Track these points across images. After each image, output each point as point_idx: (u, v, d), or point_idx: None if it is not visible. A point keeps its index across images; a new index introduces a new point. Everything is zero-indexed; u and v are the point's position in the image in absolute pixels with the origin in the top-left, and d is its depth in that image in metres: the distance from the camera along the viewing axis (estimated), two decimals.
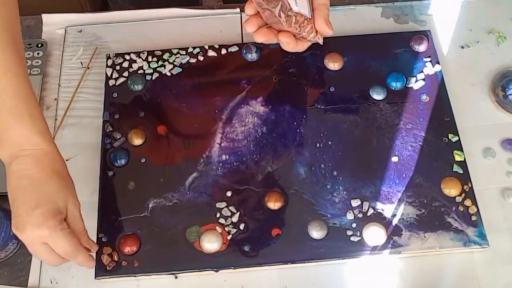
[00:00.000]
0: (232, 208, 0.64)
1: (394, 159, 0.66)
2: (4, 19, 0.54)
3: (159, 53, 0.74)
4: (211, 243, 0.61)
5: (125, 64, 0.73)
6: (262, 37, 0.54)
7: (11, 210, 0.54)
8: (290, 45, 0.54)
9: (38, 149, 0.54)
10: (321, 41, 0.55)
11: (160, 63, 0.73)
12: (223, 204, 0.64)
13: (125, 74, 0.73)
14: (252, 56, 0.73)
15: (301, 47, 0.55)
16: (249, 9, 0.54)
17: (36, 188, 0.53)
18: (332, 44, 0.74)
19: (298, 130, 0.68)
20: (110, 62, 0.74)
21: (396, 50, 0.74)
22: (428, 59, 0.73)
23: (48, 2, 0.92)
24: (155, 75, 0.73)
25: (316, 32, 0.54)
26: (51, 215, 0.53)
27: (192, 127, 0.69)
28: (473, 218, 0.63)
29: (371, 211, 0.63)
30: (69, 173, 0.57)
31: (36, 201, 0.53)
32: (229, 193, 0.65)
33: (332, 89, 0.71)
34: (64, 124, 0.71)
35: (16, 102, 0.54)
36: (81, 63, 0.76)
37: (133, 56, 0.74)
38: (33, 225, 0.52)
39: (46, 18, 0.79)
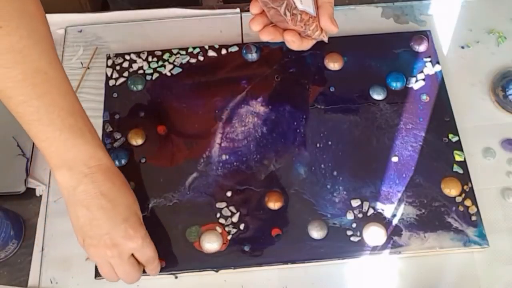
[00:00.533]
0: (232, 208, 0.64)
1: (394, 159, 0.66)
2: (47, 38, 0.53)
3: (159, 53, 0.74)
4: (211, 243, 0.61)
5: (125, 64, 0.73)
6: (268, 36, 0.54)
7: (80, 231, 0.55)
8: (295, 43, 0.54)
9: (103, 164, 0.55)
10: (326, 39, 0.55)
11: (160, 63, 0.73)
12: (223, 204, 0.64)
13: (125, 74, 0.73)
14: (252, 56, 0.73)
15: (306, 45, 0.55)
16: (254, 8, 0.54)
17: (116, 202, 0.54)
18: (332, 44, 0.73)
19: (298, 130, 0.68)
20: (110, 62, 0.74)
21: (396, 50, 0.74)
22: (428, 59, 0.73)
23: (48, 2, 0.92)
24: (155, 75, 0.73)
25: (321, 30, 0.54)
26: (139, 226, 0.55)
27: (192, 127, 0.69)
28: (473, 218, 0.63)
29: (371, 211, 0.63)
30: None
31: (120, 216, 0.54)
32: (229, 193, 0.65)
33: (332, 89, 0.71)
34: None
35: (74, 119, 0.53)
36: (81, 63, 0.76)
37: (133, 56, 0.74)
38: (125, 238, 0.54)
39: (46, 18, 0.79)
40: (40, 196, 0.67)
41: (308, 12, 0.53)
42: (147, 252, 0.56)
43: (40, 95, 0.51)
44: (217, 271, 0.62)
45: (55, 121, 0.52)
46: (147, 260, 0.57)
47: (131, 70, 0.73)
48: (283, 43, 0.74)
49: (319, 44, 0.73)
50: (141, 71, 0.73)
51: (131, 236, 0.54)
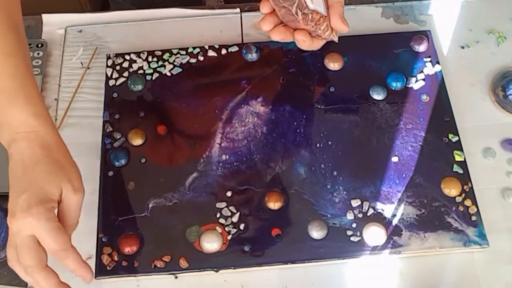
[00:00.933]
0: (232, 208, 0.64)
1: (394, 159, 0.66)
2: (2, 1, 0.53)
3: (159, 53, 0.74)
4: (211, 243, 0.61)
5: (125, 64, 0.73)
6: (279, 36, 0.54)
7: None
8: (306, 43, 0.54)
9: (32, 132, 0.52)
10: (336, 39, 0.55)
11: (160, 63, 0.73)
12: (223, 204, 0.64)
13: (125, 74, 0.73)
14: (252, 56, 0.73)
15: (317, 45, 0.55)
16: (264, 8, 0.54)
17: (26, 173, 0.50)
18: (332, 44, 0.73)
19: (298, 130, 0.68)
20: (110, 62, 0.74)
21: (396, 50, 0.74)
22: (428, 59, 0.73)
23: (48, 2, 0.92)
24: (155, 75, 0.73)
25: (332, 29, 0.55)
26: (36, 202, 0.49)
27: (192, 127, 0.69)
28: (473, 218, 0.63)
29: (371, 211, 0.63)
30: (84, 175, 0.54)
31: (23, 187, 0.50)
32: (229, 193, 0.65)
33: (332, 89, 0.71)
34: (64, 124, 0.71)
35: (12, 83, 0.52)
36: (81, 63, 0.76)
37: (133, 56, 0.74)
38: (20, 211, 0.49)
39: (46, 18, 0.79)
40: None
41: (319, 12, 0.53)
42: (44, 237, 0.49)
43: None
44: (217, 271, 0.62)
45: None
46: (50, 250, 0.50)
47: (131, 70, 0.73)
48: (282, 43, 0.74)
49: None
50: (141, 71, 0.73)
51: (23, 210, 0.48)
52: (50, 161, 0.52)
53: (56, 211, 0.51)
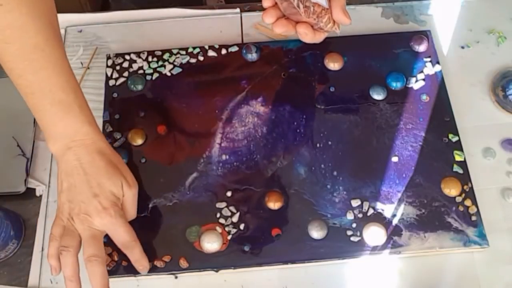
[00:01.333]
0: (232, 208, 0.64)
1: (394, 159, 0.66)
2: (47, 15, 0.56)
3: (159, 53, 0.74)
4: (211, 243, 0.61)
5: (125, 64, 0.73)
6: (281, 28, 0.55)
7: (59, 201, 0.57)
8: (308, 36, 0.55)
9: (88, 139, 0.57)
10: (338, 31, 0.56)
11: (160, 63, 0.73)
12: (223, 204, 0.64)
13: (125, 74, 0.73)
14: (252, 56, 0.73)
15: (319, 38, 0.56)
16: (266, 2, 0.55)
17: (90, 178, 0.56)
18: (332, 44, 0.74)
19: (298, 130, 0.68)
20: (110, 62, 0.74)
21: (396, 50, 0.74)
22: (428, 59, 0.73)
23: None
24: (155, 75, 0.73)
25: (334, 22, 0.55)
26: (111, 204, 0.56)
27: (192, 127, 0.69)
28: (473, 218, 0.63)
29: (371, 211, 0.63)
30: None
31: (93, 191, 0.56)
32: (229, 193, 0.65)
33: (332, 89, 0.71)
34: None
35: (66, 94, 0.56)
36: (81, 63, 0.76)
37: (133, 56, 0.74)
38: (96, 212, 0.55)
39: None
40: (40, 196, 0.67)
41: (320, 4, 0.53)
42: (119, 233, 0.57)
43: (35, 71, 0.54)
44: (217, 271, 0.62)
45: (47, 95, 0.55)
46: (122, 245, 0.58)
47: (131, 70, 0.73)
48: (283, 43, 0.74)
49: (319, 44, 0.73)
50: (141, 71, 0.73)
51: (100, 211, 0.55)
52: (108, 165, 0.57)
53: None
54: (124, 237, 0.57)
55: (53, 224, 0.57)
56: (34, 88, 0.55)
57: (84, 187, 0.56)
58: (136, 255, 0.59)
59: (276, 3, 0.54)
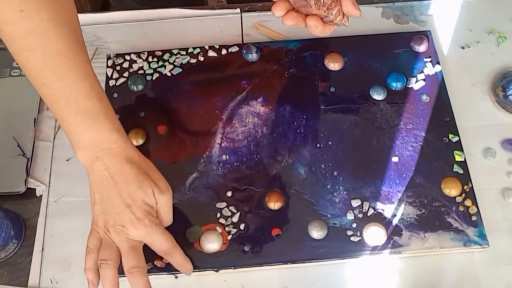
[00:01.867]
0: (232, 208, 0.64)
1: (395, 159, 0.66)
2: (69, 20, 0.54)
3: (159, 53, 0.74)
4: (211, 243, 0.61)
5: (126, 65, 0.73)
6: (291, 21, 0.54)
7: (93, 213, 0.56)
8: (318, 29, 0.55)
9: (116, 147, 0.55)
10: (347, 24, 0.56)
11: (161, 63, 0.73)
12: (223, 204, 0.64)
13: (126, 74, 0.73)
14: (252, 56, 0.73)
15: (328, 31, 0.56)
16: None
17: (121, 188, 0.55)
18: (332, 44, 0.74)
19: (298, 130, 0.68)
20: (110, 62, 0.74)
21: (396, 50, 0.74)
22: (428, 59, 0.73)
23: None
24: (156, 75, 0.73)
25: (343, 14, 0.55)
26: (145, 213, 0.55)
27: (193, 127, 0.69)
28: (473, 218, 0.63)
29: (371, 211, 0.63)
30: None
31: (125, 202, 0.55)
32: (229, 193, 0.65)
33: (332, 89, 0.71)
34: None
35: (91, 102, 0.54)
36: None
37: (134, 57, 0.74)
38: (131, 223, 0.54)
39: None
40: (40, 196, 0.67)
41: None
42: (157, 240, 0.56)
43: (59, 78, 0.53)
44: (217, 271, 0.62)
45: (72, 103, 0.53)
46: (162, 250, 0.57)
47: (131, 70, 0.73)
48: (283, 43, 0.74)
49: (319, 44, 0.73)
50: (141, 71, 0.73)
51: (134, 222, 0.55)
52: (138, 173, 0.56)
53: None
54: (163, 245, 0.57)
55: (89, 237, 0.56)
56: (59, 96, 0.53)
57: (116, 198, 0.55)
58: (178, 260, 0.58)
59: None
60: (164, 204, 0.57)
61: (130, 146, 0.57)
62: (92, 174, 0.56)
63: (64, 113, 0.54)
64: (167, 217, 0.59)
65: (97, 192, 0.56)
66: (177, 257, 0.58)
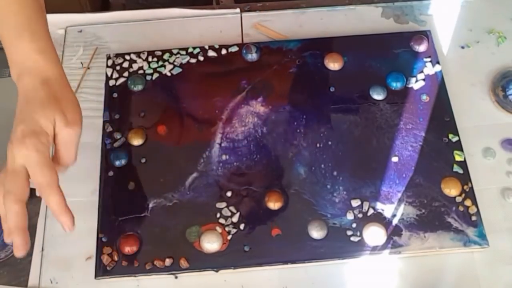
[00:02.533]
0: (232, 208, 0.64)
1: (394, 159, 0.66)
2: None
3: (159, 53, 0.74)
4: (211, 243, 0.61)
5: (125, 64, 0.73)
6: None
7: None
8: None
9: (35, 67, 0.54)
10: None
11: (160, 63, 0.73)
12: (223, 204, 0.64)
13: (125, 74, 0.73)
14: (252, 56, 0.73)
15: None
16: None
17: (26, 106, 0.52)
18: (332, 44, 0.74)
19: (298, 130, 0.68)
20: (110, 62, 0.74)
21: (396, 50, 0.74)
22: (428, 59, 0.73)
23: (48, 2, 0.92)
24: (155, 75, 0.73)
25: None
26: (29, 133, 0.50)
27: (192, 127, 0.69)
28: (473, 218, 0.63)
29: (371, 211, 0.63)
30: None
31: (21, 118, 0.52)
32: (229, 193, 0.65)
33: (332, 89, 0.71)
34: None
35: (20, 21, 0.54)
36: (81, 63, 0.76)
37: (133, 56, 0.74)
38: (16, 140, 0.50)
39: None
40: (40, 196, 0.67)
41: None
42: (33, 169, 0.49)
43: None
44: (217, 271, 0.62)
45: (3, 21, 0.54)
46: (37, 184, 0.50)
47: (131, 70, 0.73)
48: (283, 43, 0.74)
49: (319, 44, 0.73)
50: (141, 71, 0.73)
51: (18, 139, 0.49)
52: (46, 95, 0.52)
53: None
54: (36, 177, 0.49)
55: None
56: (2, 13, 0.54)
57: (18, 115, 0.52)
58: (53, 206, 0.50)
59: None
60: (66, 139, 0.52)
61: (53, 68, 0.55)
62: (18, 91, 0.54)
63: (2, 29, 0.55)
64: (68, 154, 0.53)
65: (17, 108, 0.53)
66: (52, 201, 0.50)
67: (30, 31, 0.55)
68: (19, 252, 0.50)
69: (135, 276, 0.61)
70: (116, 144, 0.68)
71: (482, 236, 0.62)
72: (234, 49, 0.74)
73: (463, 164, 0.66)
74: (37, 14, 0.56)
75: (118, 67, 0.73)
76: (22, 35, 0.54)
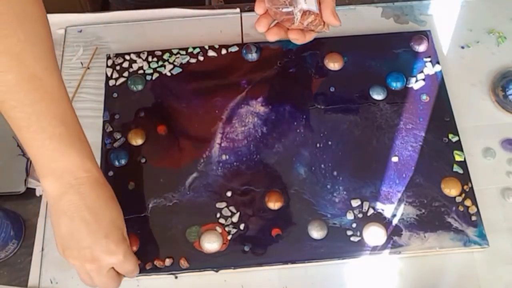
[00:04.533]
0: (232, 208, 0.64)
1: (394, 159, 0.66)
2: (45, 41, 0.52)
3: (159, 53, 0.74)
4: (211, 243, 0.61)
5: (125, 64, 0.73)
6: (274, 37, 0.56)
7: (61, 240, 0.54)
8: (299, 40, 0.57)
9: (91, 175, 0.53)
10: (328, 30, 0.58)
11: (160, 63, 0.73)
12: (223, 204, 0.64)
13: (125, 74, 0.73)
14: (252, 56, 0.73)
15: (309, 38, 0.58)
16: (259, 9, 0.56)
17: (99, 217, 0.53)
18: (332, 44, 0.74)
19: (298, 130, 0.68)
20: (110, 62, 0.74)
21: (396, 50, 0.74)
22: (428, 59, 0.73)
23: (48, 2, 0.91)
24: (155, 75, 0.73)
25: (324, 23, 0.56)
26: (121, 241, 0.54)
27: (192, 127, 0.69)
28: (473, 218, 0.63)
29: (371, 211, 0.63)
30: None
31: (103, 230, 0.53)
32: (229, 193, 0.65)
33: (332, 89, 0.71)
34: None
35: (66, 128, 0.52)
36: (81, 63, 0.76)
37: (133, 56, 0.74)
38: (106, 253, 0.53)
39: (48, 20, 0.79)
40: (40, 196, 0.67)
41: (312, 11, 0.54)
42: (128, 266, 0.56)
43: (33, 102, 0.50)
44: (217, 271, 0.62)
45: (46, 129, 0.51)
46: (126, 273, 0.57)
47: (131, 70, 0.73)
48: (283, 42, 0.74)
49: (319, 44, 0.73)
50: (141, 71, 0.73)
51: (112, 252, 0.53)
52: (113, 200, 0.56)
53: None
54: (131, 268, 0.57)
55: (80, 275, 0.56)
56: (31, 121, 0.50)
57: (90, 229, 0.53)
58: (135, 274, 0.59)
59: (267, 10, 0.55)
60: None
61: (101, 173, 0.56)
62: (60, 204, 0.52)
63: (36, 138, 0.51)
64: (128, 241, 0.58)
65: (67, 224, 0.53)
66: (135, 272, 0.58)
67: (79, 138, 0.53)
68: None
69: (135, 276, 0.61)
70: (116, 144, 0.68)
71: (482, 236, 0.62)
72: (234, 49, 0.74)
73: (463, 164, 0.66)
74: (76, 118, 0.54)
75: (118, 67, 0.73)
76: (72, 143, 0.52)
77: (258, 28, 0.56)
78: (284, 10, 0.54)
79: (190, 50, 0.74)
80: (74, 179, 0.52)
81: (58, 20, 0.79)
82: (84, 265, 0.54)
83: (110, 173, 0.66)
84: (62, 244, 0.54)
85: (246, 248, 0.62)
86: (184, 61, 0.73)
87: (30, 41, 0.49)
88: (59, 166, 0.52)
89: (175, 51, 0.74)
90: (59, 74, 0.53)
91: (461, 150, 0.67)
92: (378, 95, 0.70)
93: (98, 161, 0.67)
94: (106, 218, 0.54)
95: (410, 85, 0.71)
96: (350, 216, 0.63)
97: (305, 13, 0.54)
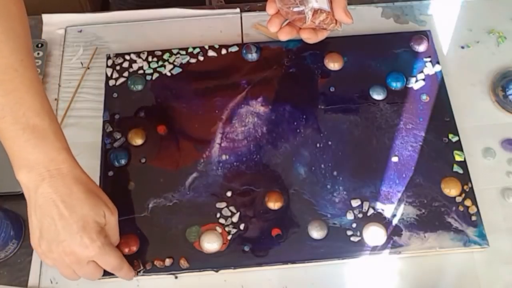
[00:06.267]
0: (232, 208, 0.64)
1: (394, 159, 0.66)
2: (23, 37, 0.53)
3: (159, 53, 0.74)
4: (211, 243, 0.61)
5: (125, 64, 0.73)
6: (286, 36, 0.58)
7: (36, 233, 0.53)
8: (311, 39, 0.58)
9: (64, 167, 0.53)
10: (340, 29, 0.59)
11: (160, 63, 0.73)
12: (223, 204, 0.64)
13: (125, 74, 0.73)
14: (252, 56, 0.73)
15: (321, 37, 0.59)
16: (271, 9, 0.57)
17: (72, 210, 0.53)
18: (332, 44, 0.74)
19: (298, 130, 0.68)
20: (110, 62, 0.74)
21: (396, 50, 0.74)
22: (428, 59, 0.73)
23: (48, 2, 0.92)
24: (155, 75, 0.73)
25: (336, 21, 0.57)
26: (96, 235, 0.54)
27: (193, 127, 0.69)
28: (473, 218, 0.63)
29: (371, 211, 0.63)
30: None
31: (76, 224, 0.53)
32: (229, 193, 0.65)
33: (332, 89, 0.71)
34: (64, 124, 0.71)
35: (40, 119, 0.52)
36: (81, 63, 0.76)
37: (133, 56, 0.74)
38: (82, 247, 0.53)
39: (46, 18, 0.79)
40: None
41: (323, 9, 0.55)
42: (108, 260, 0.55)
43: (7, 92, 0.50)
44: (217, 271, 0.62)
45: (20, 120, 0.51)
46: (111, 269, 0.57)
47: (131, 70, 0.73)
48: (283, 43, 0.74)
49: (319, 44, 0.73)
50: (141, 71, 0.73)
51: (87, 245, 0.53)
52: (88, 194, 0.54)
53: None
54: (113, 263, 0.56)
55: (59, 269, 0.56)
56: (6, 111, 0.50)
57: (65, 222, 0.52)
58: (124, 273, 0.58)
59: (278, 10, 0.56)
60: (113, 225, 0.57)
61: (78, 166, 0.55)
62: (35, 197, 0.52)
63: (9, 129, 0.51)
64: (116, 237, 0.59)
65: (42, 217, 0.52)
66: (124, 271, 0.58)
67: (53, 130, 0.53)
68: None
69: (135, 276, 0.61)
70: (116, 144, 0.68)
71: (482, 236, 0.62)
72: (234, 49, 0.74)
73: (463, 164, 0.66)
74: (52, 111, 0.54)
75: (118, 67, 0.73)
76: (46, 134, 0.52)
77: (270, 28, 0.57)
78: (295, 9, 0.54)
79: (190, 50, 0.74)
80: (46, 171, 0.52)
81: (58, 20, 0.79)
82: (63, 259, 0.54)
83: (110, 173, 0.66)
84: (38, 237, 0.54)
85: (246, 248, 0.62)
86: (184, 61, 0.73)
87: (5, 34, 0.51)
88: (31, 157, 0.52)
89: (175, 51, 0.74)
90: (35, 69, 0.54)
91: (461, 150, 0.67)
92: (378, 95, 0.70)
93: (98, 161, 0.67)
94: (79, 212, 0.53)
95: (410, 85, 0.71)
96: (350, 216, 0.63)
97: (316, 11, 0.54)
